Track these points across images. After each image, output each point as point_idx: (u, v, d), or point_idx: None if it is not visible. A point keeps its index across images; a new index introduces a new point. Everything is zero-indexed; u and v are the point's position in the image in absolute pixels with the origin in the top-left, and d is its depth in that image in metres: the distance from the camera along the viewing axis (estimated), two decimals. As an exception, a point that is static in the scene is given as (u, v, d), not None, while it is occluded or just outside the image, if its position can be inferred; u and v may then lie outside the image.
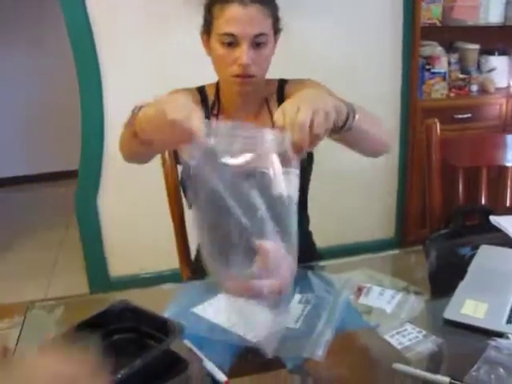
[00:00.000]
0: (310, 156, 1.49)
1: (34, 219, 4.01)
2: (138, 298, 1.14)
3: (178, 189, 1.67)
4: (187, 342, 1.05)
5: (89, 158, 2.74)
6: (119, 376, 0.84)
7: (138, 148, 1.15)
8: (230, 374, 0.98)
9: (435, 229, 1.66)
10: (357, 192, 3.12)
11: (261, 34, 1.29)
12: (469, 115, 3.03)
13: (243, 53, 1.28)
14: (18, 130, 4.68)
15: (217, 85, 1.46)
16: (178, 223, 1.71)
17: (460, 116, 3.00)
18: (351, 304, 1.17)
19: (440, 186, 1.74)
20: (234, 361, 1.05)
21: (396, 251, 1.65)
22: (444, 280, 1.31)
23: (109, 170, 2.76)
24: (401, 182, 3.19)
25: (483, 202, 1.81)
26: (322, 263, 1.46)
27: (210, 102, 1.46)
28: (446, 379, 0.93)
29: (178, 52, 2.63)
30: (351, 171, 2.99)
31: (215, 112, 1.45)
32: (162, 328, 0.97)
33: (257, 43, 1.29)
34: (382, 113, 2.98)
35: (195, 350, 1.02)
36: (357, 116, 1.10)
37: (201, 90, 1.47)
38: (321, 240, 1.66)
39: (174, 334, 0.96)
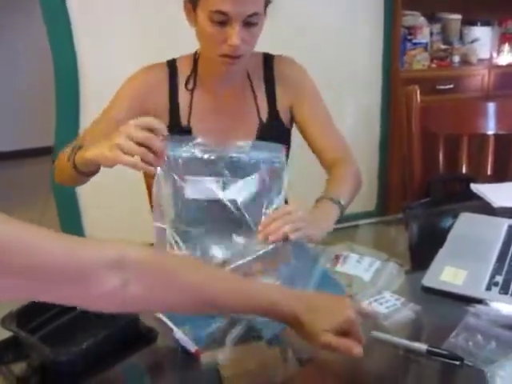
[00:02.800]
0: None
1: (12, 197, 3.93)
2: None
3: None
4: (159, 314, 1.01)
5: (64, 131, 2.68)
6: (83, 347, 0.81)
7: (80, 178, 1.28)
8: (205, 347, 0.95)
9: (415, 198, 1.64)
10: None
11: (254, 14, 1.21)
12: (451, 86, 3.00)
13: (235, 34, 1.20)
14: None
15: (194, 56, 1.40)
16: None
17: (442, 87, 2.97)
18: (328, 272, 1.15)
19: (420, 155, 1.72)
20: (210, 333, 1.01)
21: (376, 219, 1.62)
22: (424, 249, 1.29)
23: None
24: (382, 154, 3.17)
25: (464, 170, 1.79)
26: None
27: (181, 76, 1.39)
28: (424, 346, 0.91)
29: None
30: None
31: (190, 87, 1.38)
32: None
33: (249, 22, 1.22)
34: (362, 84, 2.99)
35: (166, 320, 0.99)
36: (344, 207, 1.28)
37: (171, 64, 1.40)
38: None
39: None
